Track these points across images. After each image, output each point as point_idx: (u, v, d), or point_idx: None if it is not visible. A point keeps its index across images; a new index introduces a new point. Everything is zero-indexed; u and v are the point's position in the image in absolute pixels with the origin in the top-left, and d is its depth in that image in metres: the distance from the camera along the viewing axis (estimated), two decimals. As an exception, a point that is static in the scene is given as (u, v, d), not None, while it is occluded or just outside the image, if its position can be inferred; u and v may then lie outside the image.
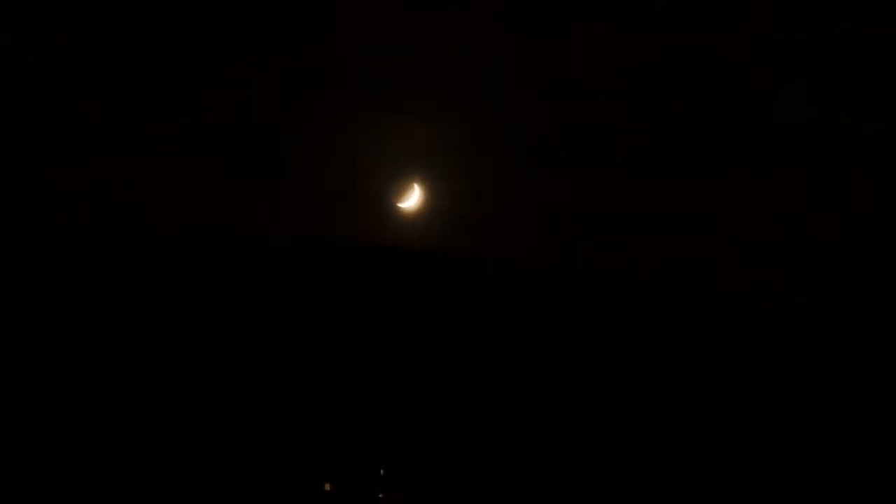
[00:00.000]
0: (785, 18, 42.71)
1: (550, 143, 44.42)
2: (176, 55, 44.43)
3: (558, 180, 44.66)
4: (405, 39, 44.14)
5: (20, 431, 43.06)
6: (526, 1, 44.03)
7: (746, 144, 45.07)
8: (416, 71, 44.22)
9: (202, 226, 48.91)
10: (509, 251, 46.92)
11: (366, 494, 45.80)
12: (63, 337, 45.34)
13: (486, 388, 48.14)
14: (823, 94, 44.27)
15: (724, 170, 45.35)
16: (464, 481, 46.34)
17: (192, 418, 46.26)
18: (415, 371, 48.25)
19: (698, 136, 44.68)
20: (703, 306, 48.95)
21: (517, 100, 44.50)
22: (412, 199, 47.29)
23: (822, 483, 44.42)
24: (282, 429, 46.84)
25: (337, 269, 51.42)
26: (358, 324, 49.48)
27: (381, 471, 46.61)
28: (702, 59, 43.45)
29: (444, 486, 46.02)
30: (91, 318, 45.62)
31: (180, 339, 47.73)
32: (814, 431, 46.23)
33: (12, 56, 43.66)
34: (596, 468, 46.66)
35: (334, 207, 47.09)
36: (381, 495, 46.09)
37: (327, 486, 46.21)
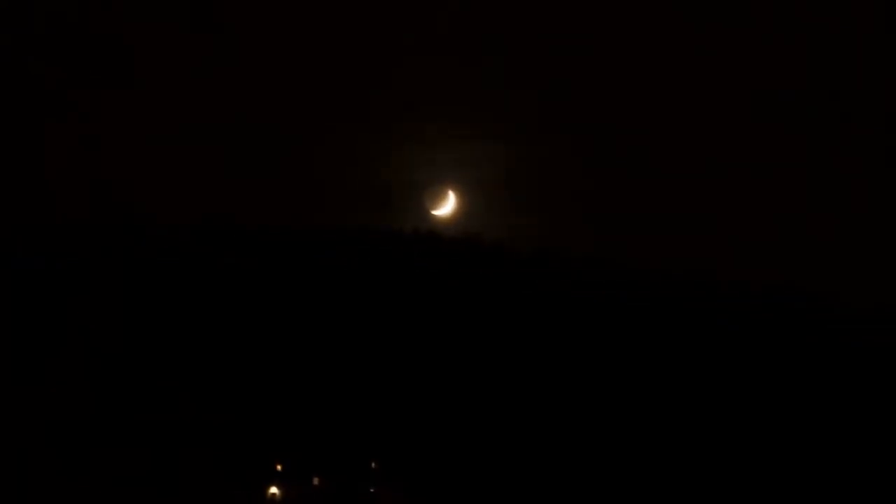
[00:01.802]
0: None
1: (580, 153, 44.52)
2: (207, 57, 44.06)
3: (586, 187, 44.76)
4: (444, 56, 43.97)
5: (20, 431, 42.61)
6: (551, 22, 43.98)
7: (748, 144, 45.27)
8: (454, 85, 44.02)
9: (206, 225, 48.37)
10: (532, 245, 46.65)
11: (358, 489, 45.60)
12: (63, 337, 44.86)
13: (482, 383, 47.95)
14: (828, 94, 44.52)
15: (725, 170, 45.49)
16: (458, 475, 46.21)
17: (191, 418, 45.90)
18: (410, 366, 48.03)
19: (713, 138, 44.88)
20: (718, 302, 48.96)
21: (545, 111, 44.52)
22: (447, 206, 46.99)
23: (828, 477, 44.52)
24: (277, 425, 46.59)
25: (333, 269, 51.16)
26: (353, 322, 49.21)
27: (373, 464, 46.54)
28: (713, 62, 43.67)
29: (436, 479, 45.87)
30: (91, 318, 45.17)
31: (180, 339, 47.28)
32: (814, 421, 46.30)
33: (13, 57, 43.10)
34: (592, 457, 46.61)
35: (369, 211, 46.67)
36: (372, 490, 46.03)
37: (316, 481, 46.13)
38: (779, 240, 45.12)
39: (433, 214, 48.61)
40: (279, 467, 46.99)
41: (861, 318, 49.47)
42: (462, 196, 47.37)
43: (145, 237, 50.05)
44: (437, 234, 50.92)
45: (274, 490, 46.88)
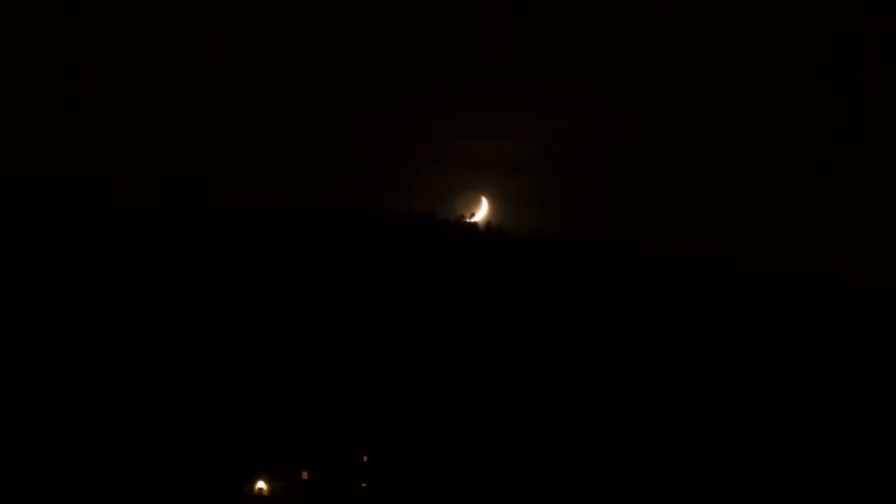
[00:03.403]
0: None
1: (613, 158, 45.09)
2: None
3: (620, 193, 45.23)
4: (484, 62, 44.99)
5: (20, 431, 42.40)
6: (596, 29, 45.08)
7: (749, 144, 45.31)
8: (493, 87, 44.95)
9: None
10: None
11: (348, 483, 44.95)
12: (61, 334, 44.79)
13: (478, 377, 47.48)
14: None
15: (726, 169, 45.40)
16: (452, 469, 45.49)
17: (179, 414, 45.54)
18: (405, 360, 47.62)
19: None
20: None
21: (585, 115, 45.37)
22: (480, 212, 47.52)
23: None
24: (264, 418, 46.21)
25: (323, 257, 51.01)
26: (347, 316, 48.97)
27: (364, 458, 45.86)
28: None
29: (429, 473, 45.15)
30: (85, 311, 45.09)
31: (172, 334, 47.15)
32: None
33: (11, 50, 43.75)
34: (589, 451, 45.88)
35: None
36: (364, 484, 45.27)
37: (304, 475, 45.47)
38: (808, 232, 45.65)
39: (466, 221, 49.50)
40: (266, 462, 46.26)
41: (870, 306, 49.22)
42: (492, 198, 48.32)
43: (141, 223, 49.99)
44: (431, 216, 50.44)
45: (261, 485, 45.75)
